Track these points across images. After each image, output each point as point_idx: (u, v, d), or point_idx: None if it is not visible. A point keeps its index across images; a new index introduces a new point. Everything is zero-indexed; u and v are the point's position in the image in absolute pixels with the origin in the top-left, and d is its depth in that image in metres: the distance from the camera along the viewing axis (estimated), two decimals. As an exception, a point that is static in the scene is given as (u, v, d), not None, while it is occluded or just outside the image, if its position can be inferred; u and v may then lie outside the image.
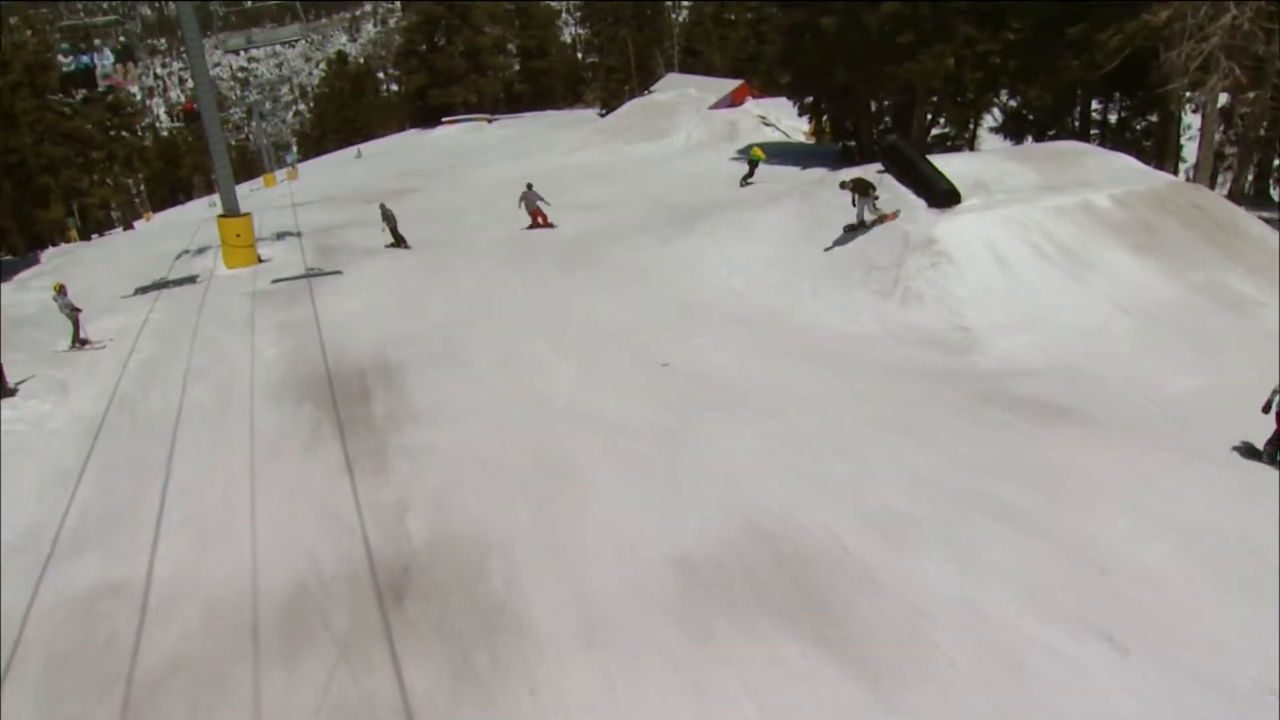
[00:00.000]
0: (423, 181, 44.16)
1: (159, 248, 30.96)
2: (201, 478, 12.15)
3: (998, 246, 16.36)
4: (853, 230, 18.22)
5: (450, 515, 10.41)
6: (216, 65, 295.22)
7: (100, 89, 34.93)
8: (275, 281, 22.57)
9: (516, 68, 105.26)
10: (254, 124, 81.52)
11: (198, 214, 48.31)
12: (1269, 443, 10.00)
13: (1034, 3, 24.24)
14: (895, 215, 17.61)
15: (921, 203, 17.95)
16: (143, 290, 23.33)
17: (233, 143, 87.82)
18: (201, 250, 28.39)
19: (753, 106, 45.59)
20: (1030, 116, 27.39)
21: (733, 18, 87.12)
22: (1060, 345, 14.05)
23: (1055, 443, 10.97)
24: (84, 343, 18.79)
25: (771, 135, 42.81)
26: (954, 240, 16.57)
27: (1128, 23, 20.70)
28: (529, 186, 27.12)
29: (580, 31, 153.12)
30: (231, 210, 25.68)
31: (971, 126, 30.98)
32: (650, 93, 52.95)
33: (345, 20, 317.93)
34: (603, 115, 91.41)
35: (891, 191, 18.37)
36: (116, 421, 14.44)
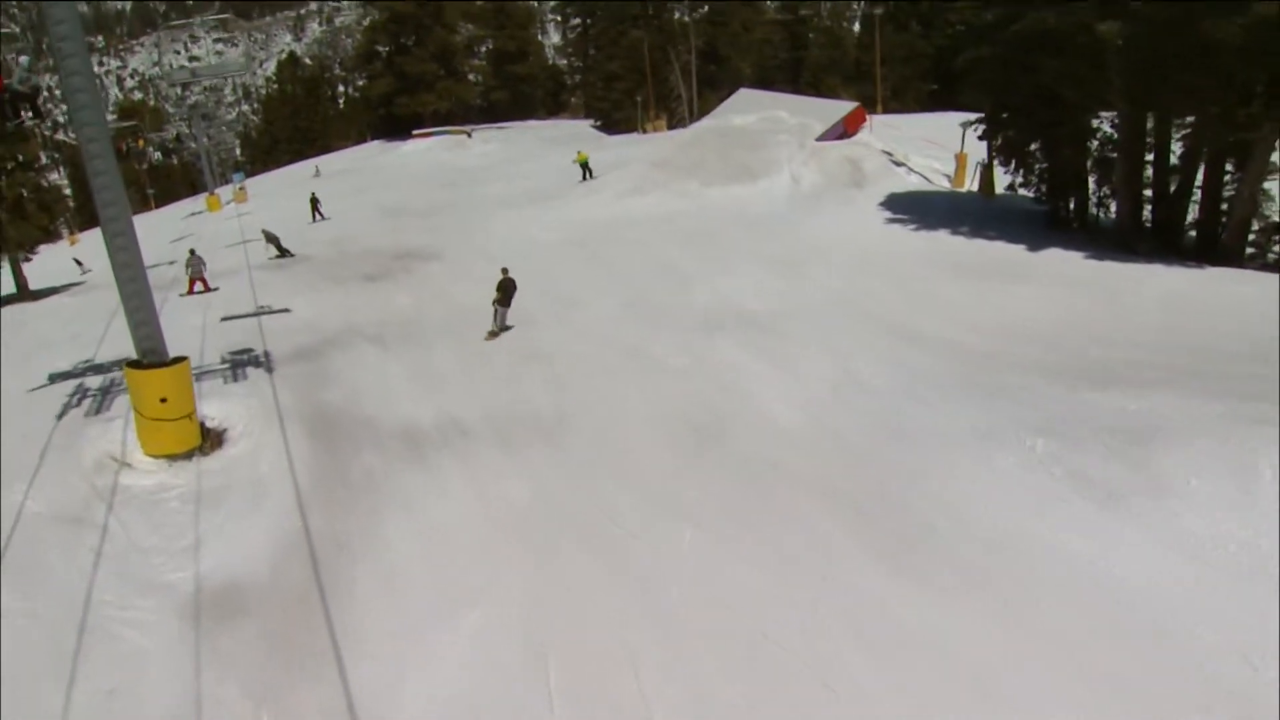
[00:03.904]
0: (424, 231, 31.55)
1: (34, 368, 18.16)
2: None
3: None
4: None
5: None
6: (156, 65, 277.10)
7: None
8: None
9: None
10: (195, 127, 67.54)
11: (144, 235, 34.81)
12: None
13: None
14: None
15: None
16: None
17: (154, 155, 73.04)
18: (105, 399, 15.82)
19: (871, 138, 33.79)
20: None
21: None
22: None
23: None
24: None
25: (909, 180, 31.08)
26: None
27: None
28: (192, 253, 24.96)
29: (555, 38, 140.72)
30: (152, 351, 13.00)
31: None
32: (710, 117, 40.77)
33: (290, 19, 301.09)
34: (596, 127, 79.60)
35: None
36: None
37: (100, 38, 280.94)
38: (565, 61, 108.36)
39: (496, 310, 18.21)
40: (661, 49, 70.54)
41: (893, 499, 10.72)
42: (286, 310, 22.58)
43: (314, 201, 40.02)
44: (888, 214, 26.63)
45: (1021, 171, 25.10)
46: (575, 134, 72.96)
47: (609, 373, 15.47)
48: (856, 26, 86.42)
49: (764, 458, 12.05)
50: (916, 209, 26.80)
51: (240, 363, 17.11)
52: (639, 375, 15.30)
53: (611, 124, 73.16)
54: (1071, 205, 24.97)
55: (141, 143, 59.27)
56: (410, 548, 10.31)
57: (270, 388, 15.36)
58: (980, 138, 26.59)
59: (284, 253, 30.21)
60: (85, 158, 11.55)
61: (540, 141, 68.84)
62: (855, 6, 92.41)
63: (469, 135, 69.29)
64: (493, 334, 18.09)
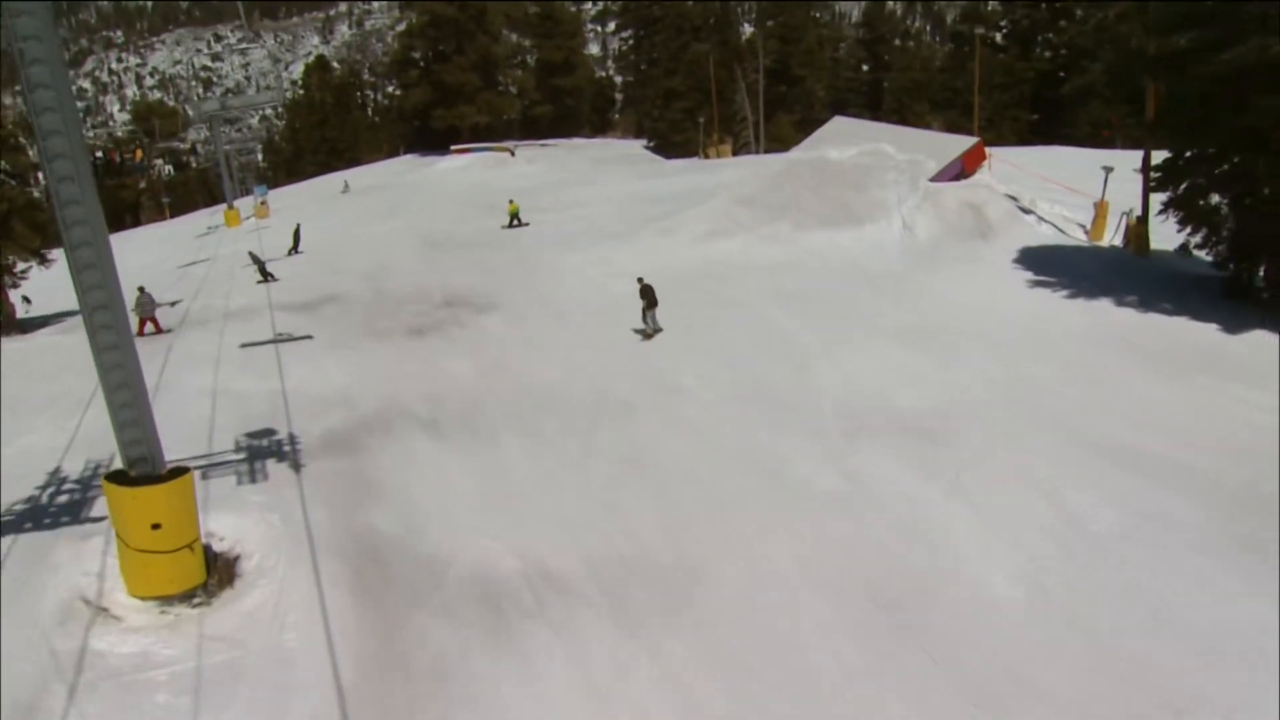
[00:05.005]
0: (474, 270, 28.87)
1: None
2: None
3: None
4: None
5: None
6: (178, 63, 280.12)
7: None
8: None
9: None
10: (215, 135, 65.61)
11: (151, 258, 31.27)
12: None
13: None
14: None
15: None
16: None
17: (165, 168, 70.97)
18: (83, 501, 13.15)
19: (990, 178, 30.76)
20: None
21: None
22: None
23: None
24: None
25: (1040, 231, 27.98)
26: None
27: None
28: (141, 290, 23.68)
29: (594, 49, 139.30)
30: (142, 461, 10.11)
31: None
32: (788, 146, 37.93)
33: (318, 20, 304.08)
34: (649, 149, 77.08)
35: None
36: None
37: (120, 33, 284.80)
38: (606, 74, 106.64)
39: (647, 315, 20.33)
40: (726, 65, 67.86)
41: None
42: (309, 337, 21.54)
43: (297, 234, 37.91)
44: (1028, 274, 23.57)
45: (1204, 229, 21.90)
46: (627, 155, 70.43)
47: (738, 497, 12.47)
48: (911, 43, 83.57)
49: (992, 660, 8.99)
50: (1061, 269, 23.72)
51: (259, 452, 14.29)
52: (778, 502, 12.28)
53: (668, 147, 70.45)
54: (1261, 272, 21.74)
55: (139, 154, 56.62)
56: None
57: (298, 495, 12.52)
58: (1154, 187, 23.35)
59: (267, 277, 30.27)
60: (56, 204, 8.80)
61: (590, 162, 66.34)
62: (909, 22, 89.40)
63: (511, 153, 66.92)
64: (649, 335, 20.39)
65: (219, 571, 10.80)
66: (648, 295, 20.33)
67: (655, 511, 12.13)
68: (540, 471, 13.42)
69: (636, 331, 20.90)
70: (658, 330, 20.44)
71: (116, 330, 9.51)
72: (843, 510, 11.96)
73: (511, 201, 38.97)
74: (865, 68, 73.63)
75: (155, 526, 10.06)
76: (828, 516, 11.82)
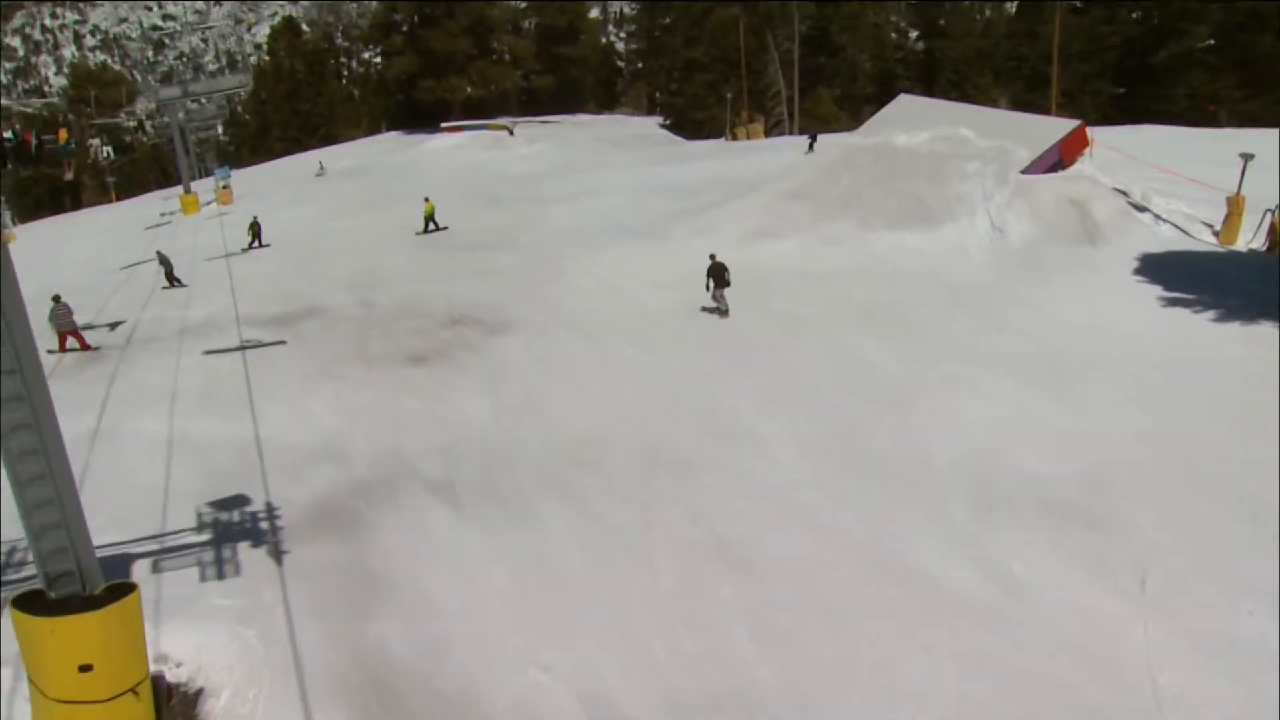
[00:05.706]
0: (479, 277, 27.29)
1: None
2: None
3: None
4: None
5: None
6: (124, 20, 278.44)
7: None
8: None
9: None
10: (170, 112, 63.70)
11: (90, 250, 28.39)
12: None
13: None
14: None
15: None
16: None
17: (103, 151, 68.51)
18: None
19: (1093, 168, 28.91)
20: None
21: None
22: None
23: None
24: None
25: (1160, 232, 26.21)
26: None
27: None
28: (57, 300, 22.41)
29: (593, 13, 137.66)
30: (66, 578, 8.36)
31: None
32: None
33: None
34: (665, 127, 75.40)
35: None
36: None
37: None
38: (607, 40, 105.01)
39: (718, 295, 21.37)
40: (756, 33, 65.83)
41: None
42: (281, 343, 21.48)
43: (255, 227, 37.46)
44: (1157, 289, 21.79)
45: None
46: (641, 135, 68.76)
47: (849, 600, 10.73)
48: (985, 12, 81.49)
49: None
50: (1199, 281, 21.90)
51: (228, 532, 12.54)
52: (903, 608, 10.55)
53: (688, 125, 68.61)
54: None
55: (64, 135, 53.99)
56: None
57: (280, 597, 10.80)
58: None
59: (174, 283, 29.88)
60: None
61: (599, 143, 64.76)
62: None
63: (510, 131, 65.33)
64: (724, 313, 21.55)
65: (175, 717, 9.08)
66: (717, 273, 21.15)
67: (746, 620, 10.38)
68: (591, 560, 11.67)
69: (706, 310, 21.97)
70: (727, 310, 21.38)
71: (31, 404, 7.79)
72: (989, 621, 10.21)
73: (427, 200, 37.60)
74: (915, 34, 71.81)
75: (85, 668, 8.32)
76: (971, 629, 10.07)
